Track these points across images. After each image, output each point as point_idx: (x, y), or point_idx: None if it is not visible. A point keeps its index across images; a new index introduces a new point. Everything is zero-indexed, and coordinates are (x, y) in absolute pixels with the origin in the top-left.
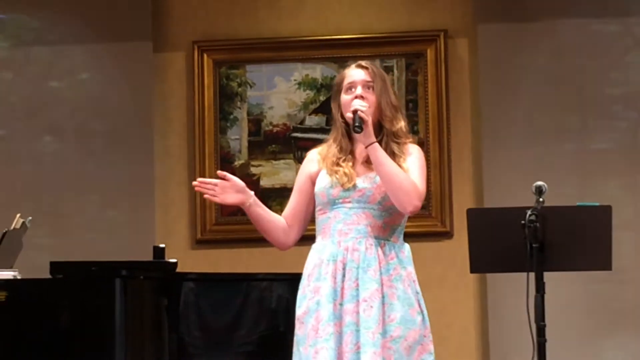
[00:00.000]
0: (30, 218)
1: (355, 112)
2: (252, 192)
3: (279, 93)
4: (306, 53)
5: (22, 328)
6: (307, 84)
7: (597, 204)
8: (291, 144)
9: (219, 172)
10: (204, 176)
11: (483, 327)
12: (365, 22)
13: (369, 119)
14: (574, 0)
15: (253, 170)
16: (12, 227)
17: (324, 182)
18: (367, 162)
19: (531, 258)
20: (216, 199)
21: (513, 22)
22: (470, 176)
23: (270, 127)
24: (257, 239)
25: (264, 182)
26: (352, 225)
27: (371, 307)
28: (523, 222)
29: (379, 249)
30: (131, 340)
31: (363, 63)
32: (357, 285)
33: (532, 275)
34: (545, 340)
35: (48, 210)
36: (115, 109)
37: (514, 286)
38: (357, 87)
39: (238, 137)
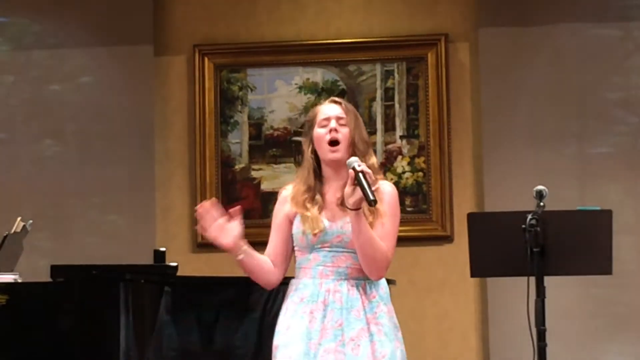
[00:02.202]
0: (30, 221)
1: (364, 177)
2: (245, 246)
3: (279, 97)
4: (307, 57)
5: (22, 331)
6: (308, 87)
7: (598, 208)
8: (292, 147)
9: (234, 209)
10: (204, 180)
11: (483, 331)
12: (366, 26)
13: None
14: (574, 4)
15: (254, 174)
16: (12, 231)
17: (301, 227)
18: (342, 204)
19: (532, 262)
20: (204, 232)
21: (513, 26)
22: (470, 180)
23: (271, 131)
24: (258, 242)
25: (265, 186)
26: (333, 268)
27: (359, 345)
28: (524, 226)
29: (360, 289)
30: (133, 344)
31: (336, 98)
32: (342, 325)
33: (532, 279)
34: (545, 345)
35: (49, 214)
36: (116, 112)
37: (514, 290)
38: (332, 120)
39: (239, 141)
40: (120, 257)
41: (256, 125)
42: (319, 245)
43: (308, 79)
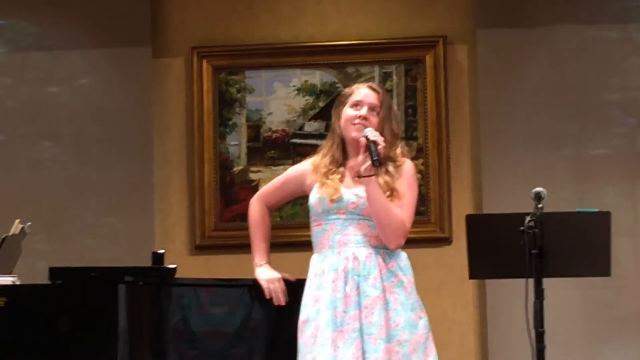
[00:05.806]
0: (29, 224)
1: (373, 142)
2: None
3: (278, 99)
4: (305, 59)
5: (21, 334)
6: (306, 89)
7: (596, 209)
8: (290, 149)
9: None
10: (202, 182)
11: (482, 333)
12: (364, 28)
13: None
14: (572, 6)
15: (252, 176)
16: (11, 233)
17: (317, 194)
18: (360, 176)
19: (530, 264)
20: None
21: (512, 28)
22: (469, 182)
23: (269, 133)
24: None
25: None
26: (350, 236)
27: (372, 313)
28: (522, 228)
29: (379, 257)
30: (131, 347)
31: (374, 86)
32: (359, 292)
33: (531, 281)
34: (544, 347)
35: (47, 216)
36: (114, 114)
37: (513, 292)
38: (364, 107)
39: (237, 143)
40: (118, 259)
41: (254, 127)
42: (335, 211)
43: (306, 81)
